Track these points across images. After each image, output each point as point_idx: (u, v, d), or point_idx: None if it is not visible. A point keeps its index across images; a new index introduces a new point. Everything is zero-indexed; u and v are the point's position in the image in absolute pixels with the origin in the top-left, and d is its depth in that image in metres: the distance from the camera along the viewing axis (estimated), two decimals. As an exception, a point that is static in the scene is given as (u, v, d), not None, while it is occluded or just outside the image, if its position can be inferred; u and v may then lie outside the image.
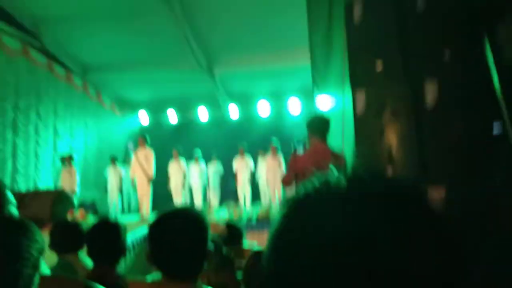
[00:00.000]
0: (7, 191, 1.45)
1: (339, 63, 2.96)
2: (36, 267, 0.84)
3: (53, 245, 2.07)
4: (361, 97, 2.42)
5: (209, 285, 1.14)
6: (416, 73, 2.37)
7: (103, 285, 1.16)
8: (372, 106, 2.41)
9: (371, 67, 2.44)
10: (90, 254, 1.75)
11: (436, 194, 2.04)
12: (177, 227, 1.09)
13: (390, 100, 2.39)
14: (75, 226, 2.16)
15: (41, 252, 0.87)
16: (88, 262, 1.92)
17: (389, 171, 2.27)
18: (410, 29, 2.41)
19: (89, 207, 8.20)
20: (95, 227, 1.78)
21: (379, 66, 2.43)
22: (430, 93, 2.35)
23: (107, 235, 1.73)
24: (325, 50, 3.56)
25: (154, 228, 1.13)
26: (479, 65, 2.33)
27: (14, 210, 1.48)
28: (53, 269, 1.93)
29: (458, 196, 2.07)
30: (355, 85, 2.50)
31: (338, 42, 3.05)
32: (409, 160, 2.30)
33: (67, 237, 2.06)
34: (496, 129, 2.20)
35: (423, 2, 2.42)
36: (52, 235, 2.11)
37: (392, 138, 2.36)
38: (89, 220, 5.44)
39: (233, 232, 2.06)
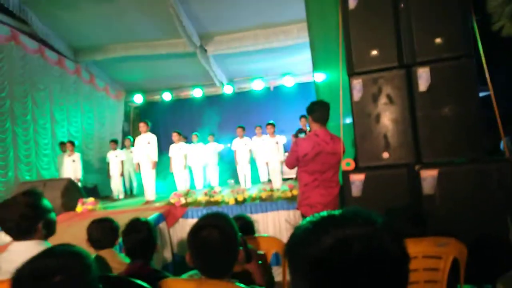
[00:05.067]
0: (43, 199, 1.59)
1: (336, 47, 3.03)
2: None
3: (91, 242, 2.24)
4: (358, 84, 2.53)
5: (237, 275, 1.33)
6: (409, 59, 2.49)
7: (139, 278, 1.33)
8: (368, 92, 2.54)
9: (366, 54, 2.55)
10: (126, 251, 1.93)
11: (429, 175, 2.22)
12: (212, 236, 1.28)
13: (385, 85, 2.52)
14: (110, 223, 2.30)
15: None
16: (124, 257, 2.09)
17: (385, 154, 2.43)
18: (403, 17, 2.50)
19: (91, 191, 8.36)
20: (128, 226, 1.95)
21: (374, 53, 2.53)
22: (423, 78, 2.48)
23: (139, 233, 1.90)
24: (323, 32, 3.62)
25: (193, 236, 1.31)
26: (467, 48, 2.45)
27: (53, 215, 1.63)
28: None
29: (448, 175, 2.25)
30: (351, 72, 2.61)
31: (335, 26, 3.12)
32: (403, 142, 2.46)
33: (103, 234, 2.20)
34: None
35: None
36: (89, 232, 2.27)
37: (387, 121, 2.51)
38: (100, 208, 5.61)
39: (245, 223, 2.27)
